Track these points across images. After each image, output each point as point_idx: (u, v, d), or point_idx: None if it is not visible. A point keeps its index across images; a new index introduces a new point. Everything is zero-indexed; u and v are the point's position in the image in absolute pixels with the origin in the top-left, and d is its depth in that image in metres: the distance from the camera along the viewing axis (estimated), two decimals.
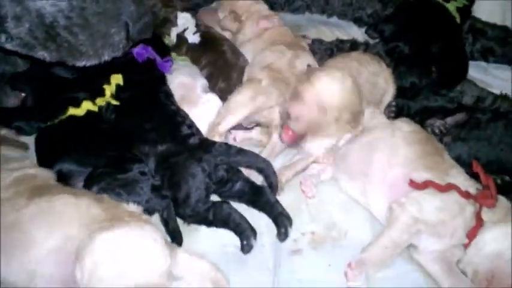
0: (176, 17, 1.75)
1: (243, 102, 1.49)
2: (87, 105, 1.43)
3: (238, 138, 1.58)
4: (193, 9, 1.96)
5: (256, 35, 1.77)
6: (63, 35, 0.98)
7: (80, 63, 1.04)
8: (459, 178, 1.27)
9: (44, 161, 1.33)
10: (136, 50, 1.52)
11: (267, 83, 1.51)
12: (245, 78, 1.63)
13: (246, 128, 1.59)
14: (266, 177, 1.36)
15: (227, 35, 1.85)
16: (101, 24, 0.99)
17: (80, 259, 1.01)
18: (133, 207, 1.18)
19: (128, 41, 1.05)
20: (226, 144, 1.39)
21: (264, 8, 1.88)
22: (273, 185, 1.36)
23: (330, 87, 1.35)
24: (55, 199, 1.11)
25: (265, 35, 1.75)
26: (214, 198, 1.36)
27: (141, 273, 1.02)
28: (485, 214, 1.24)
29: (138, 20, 1.03)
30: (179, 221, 1.30)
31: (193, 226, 1.31)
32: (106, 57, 1.05)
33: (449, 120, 1.49)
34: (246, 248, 1.25)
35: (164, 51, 1.63)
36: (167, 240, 1.17)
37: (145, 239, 1.06)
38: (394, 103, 1.52)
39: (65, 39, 0.99)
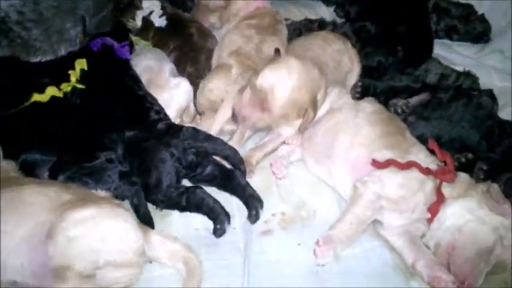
0: (141, 1, 1.71)
1: (216, 90, 1.51)
2: (51, 91, 1.40)
3: None
4: None
5: (244, 15, 1.75)
6: (16, 30, 0.95)
7: (35, 59, 1.01)
8: (420, 155, 1.32)
9: (8, 151, 1.31)
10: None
11: (237, 70, 1.51)
12: (214, 61, 1.63)
13: None
14: (233, 166, 1.38)
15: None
16: (56, 18, 0.96)
17: (53, 236, 1.01)
18: (102, 193, 1.19)
19: (85, 36, 1.03)
20: (193, 128, 1.39)
21: None
22: (241, 172, 1.37)
23: (272, 87, 1.33)
24: (23, 189, 1.10)
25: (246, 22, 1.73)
26: (186, 183, 1.37)
27: (115, 250, 1.04)
28: (447, 190, 1.29)
29: (96, 14, 1.00)
30: (151, 207, 1.30)
31: (165, 211, 1.32)
32: (62, 52, 1.02)
33: (413, 100, 1.53)
34: (219, 232, 1.27)
35: (122, 35, 1.61)
36: (139, 222, 1.18)
37: (117, 218, 1.08)
38: (360, 83, 1.54)
39: (17, 35, 0.96)
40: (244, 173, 1.37)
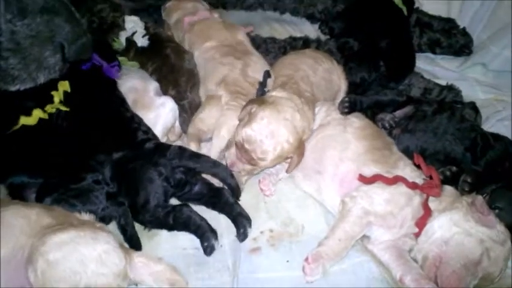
0: (124, 21, 1.73)
1: (207, 119, 1.51)
2: (38, 114, 1.40)
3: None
4: (146, 11, 1.95)
5: (185, 32, 1.77)
6: None
7: (13, 88, 1.01)
8: (406, 170, 1.33)
9: None
10: None
11: (227, 99, 1.51)
12: (201, 94, 1.63)
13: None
14: (223, 181, 1.38)
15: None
16: (34, 47, 0.96)
17: (34, 261, 1.02)
18: (86, 216, 1.19)
19: (65, 63, 1.03)
20: (179, 147, 1.39)
21: (188, 5, 1.88)
22: (232, 187, 1.36)
23: (254, 148, 1.33)
24: (4, 210, 1.10)
25: (194, 29, 1.76)
26: (174, 201, 1.37)
27: (95, 273, 1.04)
28: (433, 203, 1.30)
29: (74, 42, 1.00)
30: (138, 227, 1.30)
31: (153, 231, 1.32)
32: (41, 80, 1.02)
33: (398, 113, 1.55)
34: (208, 250, 1.27)
35: (111, 56, 1.62)
36: (123, 244, 1.18)
37: (97, 241, 1.08)
38: (347, 99, 1.55)
39: None
40: (235, 188, 1.37)
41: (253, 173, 1.40)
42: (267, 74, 1.55)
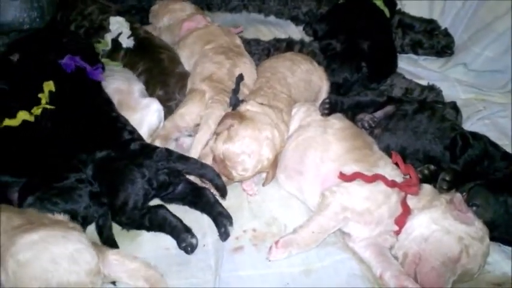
0: (108, 23, 1.73)
1: (188, 115, 1.53)
2: (23, 115, 1.41)
3: (186, 145, 1.58)
4: (128, 12, 1.95)
5: (181, 38, 1.79)
6: None
7: None
8: (386, 168, 1.35)
9: None
10: (63, 62, 1.53)
11: (211, 95, 1.54)
12: (188, 90, 1.64)
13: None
14: (211, 181, 1.38)
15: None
16: None
17: (4, 261, 1.02)
18: (59, 217, 1.19)
19: None
20: (167, 149, 1.40)
21: (176, 7, 1.89)
22: (219, 186, 1.37)
23: (234, 165, 1.36)
24: None
25: (193, 35, 1.77)
26: (157, 201, 1.38)
27: (68, 272, 1.05)
28: (412, 201, 1.31)
29: None
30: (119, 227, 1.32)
31: (136, 231, 1.33)
32: None
33: (378, 113, 1.56)
34: (188, 249, 1.28)
35: (94, 59, 1.63)
36: (96, 242, 1.19)
37: (69, 240, 1.09)
38: (327, 100, 1.57)
39: None
40: (223, 187, 1.37)
41: (227, 184, 1.41)
42: (239, 79, 1.57)
